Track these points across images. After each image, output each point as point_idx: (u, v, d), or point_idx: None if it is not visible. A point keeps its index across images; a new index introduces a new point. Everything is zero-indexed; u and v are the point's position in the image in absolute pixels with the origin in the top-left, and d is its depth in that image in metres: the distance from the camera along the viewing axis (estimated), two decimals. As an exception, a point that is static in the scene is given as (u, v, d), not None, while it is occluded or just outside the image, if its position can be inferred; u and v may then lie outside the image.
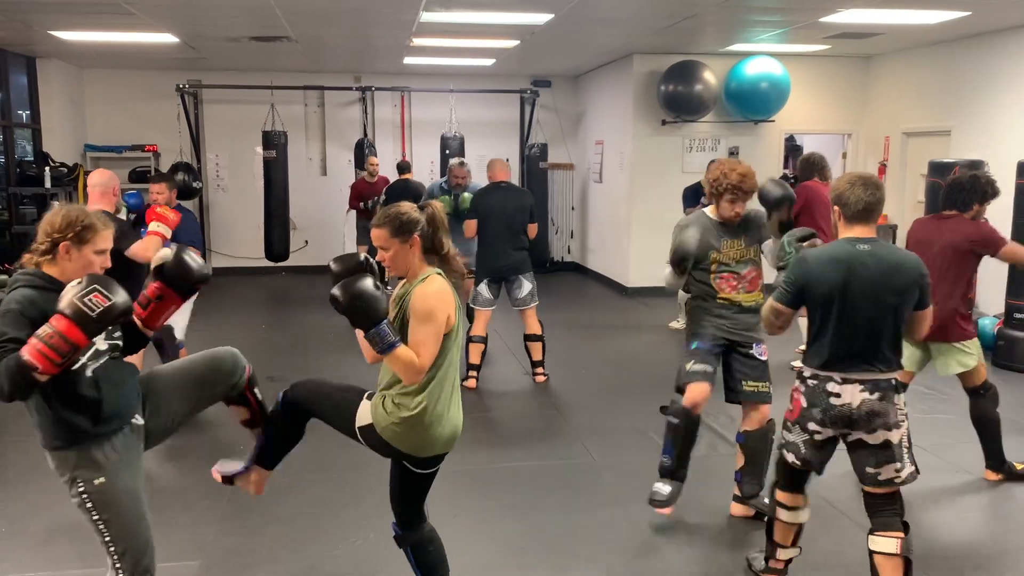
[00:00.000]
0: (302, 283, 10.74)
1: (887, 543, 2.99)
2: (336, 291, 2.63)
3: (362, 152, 11.10)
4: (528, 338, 6.45)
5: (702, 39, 8.87)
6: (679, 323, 8.08)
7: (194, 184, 10.28)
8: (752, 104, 9.69)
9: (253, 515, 4.08)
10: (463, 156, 11.09)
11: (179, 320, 5.60)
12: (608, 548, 3.78)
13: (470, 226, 6.32)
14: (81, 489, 2.57)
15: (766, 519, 3.39)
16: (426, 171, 11.93)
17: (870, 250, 2.96)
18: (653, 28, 8.05)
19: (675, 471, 3.91)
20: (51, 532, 3.87)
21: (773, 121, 10.07)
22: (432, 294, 2.72)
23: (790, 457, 3.16)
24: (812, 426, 3.04)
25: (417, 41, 8.62)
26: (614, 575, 3.55)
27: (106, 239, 2.61)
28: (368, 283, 2.63)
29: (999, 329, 6.95)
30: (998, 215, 7.45)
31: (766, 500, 3.93)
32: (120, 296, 2.40)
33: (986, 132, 8.24)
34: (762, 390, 3.93)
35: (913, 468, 3.02)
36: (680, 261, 3.89)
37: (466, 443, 5.01)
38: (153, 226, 4.67)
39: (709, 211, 4.06)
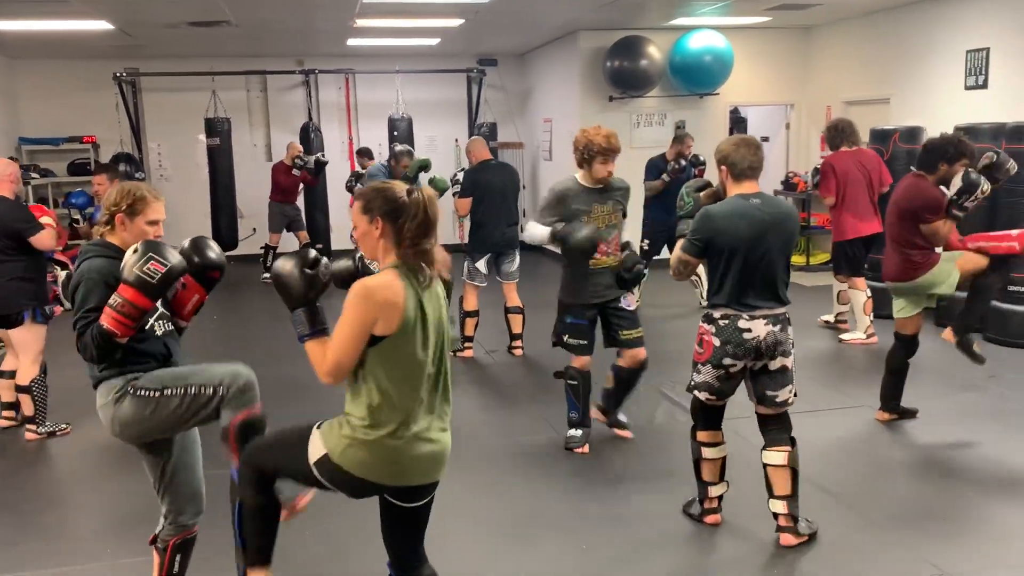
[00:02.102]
0: (253, 272, 10.57)
1: (777, 456, 3.48)
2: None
3: (307, 136, 10.97)
4: (511, 310, 6.61)
5: (646, 14, 8.92)
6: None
7: (136, 175, 10.05)
8: (697, 78, 9.79)
9: (217, 507, 4.03)
10: (412, 136, 11.05)
11: None
12: (576, 521, 3.84)
13: (465, 204, 6.41)
14: (137, 387, 2.71)
15: (693, 462, 3.69)
16: (374, 154, 11.82)
17: (760, 203, 3.39)
18: (597, 3, 8.07)
19: (582, 420, 4.66)
20: (16, 534, 3.79)
21: (718, 94, 10.19)
22: (361, 288, 2.30)
23: (703, 395, 3.52)
24: (727, 361, 3.42)
25: (360, 22, 8.52)
26: (583, 547, 3.61)
27: (156, 210, 2.82)
28: (287, 264, 2.41)
29: None
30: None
31: (621, 417, 4.80)
32: (175, 258, 2.65)
33: (924, 99, 8.45)
34: (635, 336, 4.50)
35: (795, 390, 3.54)
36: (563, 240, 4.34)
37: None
38: (44, 219, 4.90)
39: (580, 177, 4.46)
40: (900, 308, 4.70)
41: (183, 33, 8.92)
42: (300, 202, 10.43)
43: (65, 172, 10.95)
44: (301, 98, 11.61)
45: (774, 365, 3.44)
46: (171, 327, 2.92)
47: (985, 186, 4.40)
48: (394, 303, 2.29)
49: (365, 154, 10.28)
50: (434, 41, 10.33)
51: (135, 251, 2.62)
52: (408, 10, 7.96)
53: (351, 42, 10.06)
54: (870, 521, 3.76)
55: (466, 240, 6.66)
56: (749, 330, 3.37)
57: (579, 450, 4.59)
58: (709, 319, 3.47)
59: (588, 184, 4.43)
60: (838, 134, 6.72)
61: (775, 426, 3.53)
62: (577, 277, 4.45)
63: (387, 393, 2.34)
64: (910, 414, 4.89)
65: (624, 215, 4.55)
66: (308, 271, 2.40)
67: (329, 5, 7.62)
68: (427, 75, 11.63)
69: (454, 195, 6.58)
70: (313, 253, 2.46)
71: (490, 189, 6.41)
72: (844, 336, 6.75)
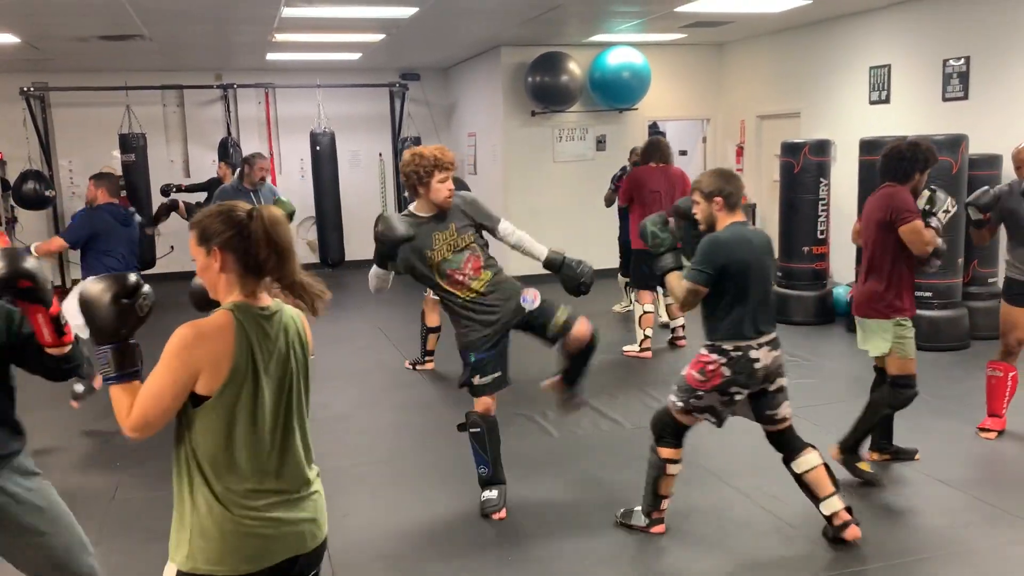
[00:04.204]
0: (172, 291, 10.26)
1: (810, 459, 3.53)
2: None
3: (226, 151, 10.77)
4: (433, 330, 6.56)
5: (566, 30, 9.07)
6: (621, 306, 8.40)
7: (46, 193, 9.75)
8: (616, 93, 9.98)
9: (134, 532, 3.94)
10: (335, 151, 10.90)
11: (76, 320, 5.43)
12: (500, 536, 3.86)
13: None
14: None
15: (652, 478, 3.65)
16: (296, 169, 11.71)
17: (754, 231, 3.57)
18: (518, 19, 8.17)
19: (495, 476, 3.98)
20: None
21: (637, 109, 10.39)
22: (184, 335, 1.91)
23: (705, 416, 3.51)
24: (734, 389, 3.44)
25: (280, 36, 8.44)
26: (506, 557, 3.63)
27: None
28: (96, 288, 1.97)
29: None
30: (843, 191, 8.01)
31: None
32: None
33: (832, 113, 8.80)
34: (561, 318, 3.91)
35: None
36: (387, 255, 3.80)
37: (352, 444, 5.00)
38: None
39: (414, 209, 3.94)
40: (886, 342, 4.13)
41: (94, 47, 8.67)
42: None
43: (-30, 190, 10.50)
44: (220, 113, 11.40)
45: (774, 386, 3.52)
46: None
47: (950, 204, 4.06)
48: (223, 354, 1.92)
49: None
50: (356, 55, 10.29)
51: None
52: (328, 24, 7.91)
53: (270, 56, 9.94)
54: (789, 524, 3.88)
55: None
56: (758, 360, 3.41)
57: (497, 516, 3.94)
58: (719, 350, 3.42)
59: (424, 213, 3.90)
60: (654, 149, 6.85)
61: (788, 438, 3.58)
62: (459, 317, 3.92)
63: (220, 462, 1.95)
64: (907, 455, 4.52)
65: (480, 229, 4.03)
66: (123, 301, 1.99)
67: (247, 19, 7.52)
68: (349, 89, 11.55)
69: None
70: (133, 279, 2.01)
71: None
72: (625, 348, 6.87)
